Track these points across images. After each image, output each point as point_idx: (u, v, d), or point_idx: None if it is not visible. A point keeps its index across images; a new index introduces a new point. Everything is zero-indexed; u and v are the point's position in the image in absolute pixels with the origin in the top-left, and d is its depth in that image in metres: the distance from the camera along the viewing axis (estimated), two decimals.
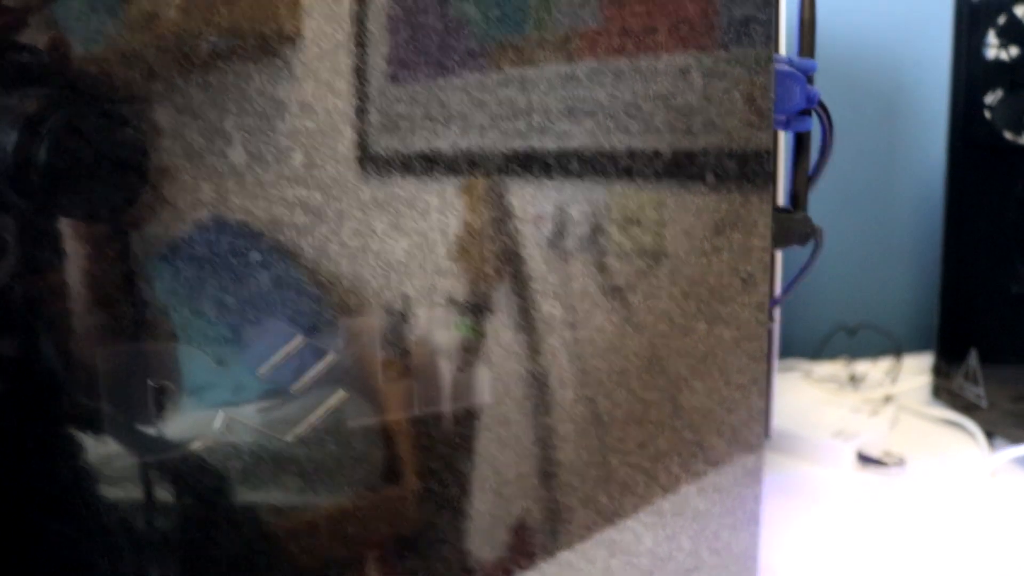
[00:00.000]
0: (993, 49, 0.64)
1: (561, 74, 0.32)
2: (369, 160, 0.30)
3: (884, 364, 0.79)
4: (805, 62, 0.40)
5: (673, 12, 0.34)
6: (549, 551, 0.35)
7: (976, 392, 0.67)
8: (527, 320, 0.33)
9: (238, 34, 0.27)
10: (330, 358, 0.30)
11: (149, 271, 0.27)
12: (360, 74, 0.30)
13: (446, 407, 0.32)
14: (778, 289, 0.50)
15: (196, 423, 0.29)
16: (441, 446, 0.32)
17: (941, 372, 0.72)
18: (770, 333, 0.48)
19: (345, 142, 0.29)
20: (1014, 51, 0.62)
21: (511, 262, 0.33)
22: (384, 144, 0.30)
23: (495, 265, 0.32)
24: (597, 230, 0.34)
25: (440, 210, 0.31)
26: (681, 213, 0.36)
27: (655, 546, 0.37)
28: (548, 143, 0.32)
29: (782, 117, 0.40)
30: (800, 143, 0.42)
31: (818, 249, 0.43)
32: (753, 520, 0.40)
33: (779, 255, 0.52)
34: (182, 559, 0.29)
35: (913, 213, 0.87)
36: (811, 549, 0.51)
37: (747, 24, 0.36)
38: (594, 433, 0.35)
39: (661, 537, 0.37)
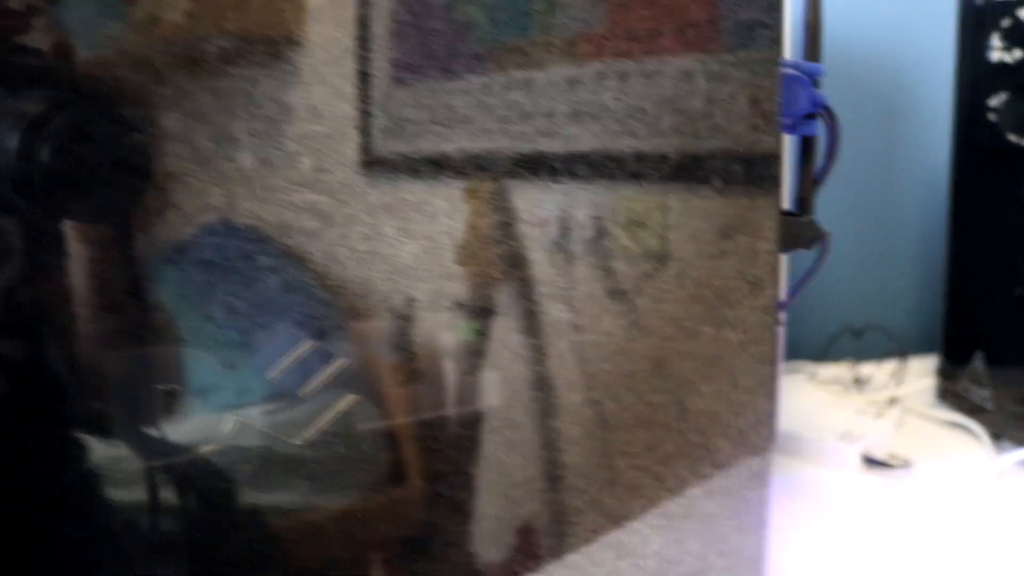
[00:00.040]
0: (997, 52, 0.64)
1: (568, 78, 0.33)
2: (375, 164, 0.30)
3: (889, 366, 0.79)
4: (811, 66, 0.40)
5: (679, 16, 0.34)
6: (556, 553, 0.35)
7: (982, 394, 0.67)
8: (534, 324, 0.33)
9: (244, 38, 0.28)
10: (340, 362, 0.30)
11: (153, 274, 0.27)
12: (366, 78, 0.30)
13: (453, 410, 0.32)
14: (782, 292, 0.50)
15: (202, 426, 0.29)
16: (449, 449, 0.32)
17: (946, 374, 0.72)
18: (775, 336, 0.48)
19: (352, 146, 0.29)
20: (1018, 54, 0.63)
21: (517, 265, 0.33)
22: (390, 148, 0.30)
23: (502, 268, 0.32)
24: (604, 233, 0.34)
25: (447, 214, 0.31)
26: (688, 217, 0.36)
27: (663, 549, 0.37)
28: (555, 146, 0.33)
29: (788, 121, 0.40)
30: (806, 147, 0.42)
31: (825, 253, 0.43)
32: (761, 523, 0.40)
33: (784, 258, 0.52)
34: (189, 561, 0.29)
35: (917, 215, 0.87)
36: (817, 551, 0.51)
37: (753, 28, 0.36)
38: (602, 436, 0.35)
39: (669, 540, 0.37)
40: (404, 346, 0.31)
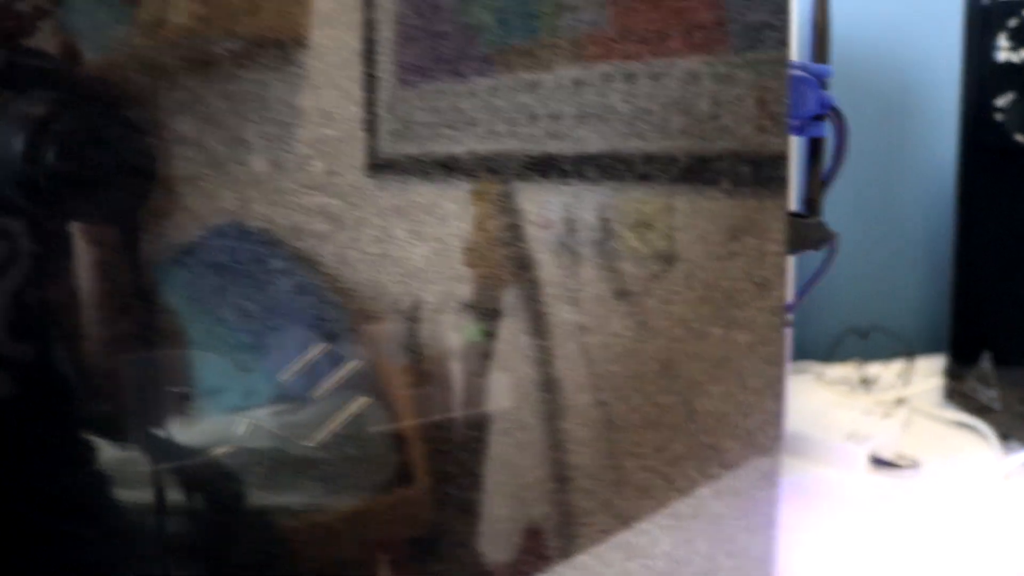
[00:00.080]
0: (1004, 52, 0.64)
1: (577, 80, 0.33)
2: (385, 167, 0.30)
3: (896, 367, 0.79)
4: (819, 67, 0.40)
5: (688, 18, 0.34)
6: (566, 554, 0.35)
7: (989, 395, 0.67)
8: (543, 325, 0.34)
9: (251, 41, 0.28)
10: (350, 364, 0.30)
11: (160, 276, 0.27)
12: (375, 81, 0.30)
13: (463, 412, 0.33)
14: (789, 293, 0.50)
15: (211, 428, 0.29)
16: (458, 450, 0.33)
17: (953, 375, 0.72)
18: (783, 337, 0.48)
19: (361, 149, 0.30)
20: None
21: (526, 267, 0.33)
22: (399, 150, 0.30)
23: (511, 270, 0.33)
24: (613, 235, 0.34)
25: (456, 216, 0.31)
26: (696, 218, 0.36)
27: (672, 549, 0.38)
28: (564, 148, 0.33)
29: (796, 122, 0.40)
30: (814, 148, 0.42)
31: (833, 254, 0.43)
32: (770, 523, 0.40)
33: (790, 259, 0.52)
34: (200, 562, 0.29)
35: (924, 215, 0.87)
36: (825, 551, 0.51)
37: (761, 30, 0.36)
38: (611, 437, 0.36)
39: (678, 540, 0.38)
40: (414, 348, 0.31)
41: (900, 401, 0.72)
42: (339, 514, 0.31)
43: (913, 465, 0.61)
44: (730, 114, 0.36)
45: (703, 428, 0.37)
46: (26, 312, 0.25)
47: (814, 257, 0.44)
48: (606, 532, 0.36)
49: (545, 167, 0.32)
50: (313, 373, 0.30)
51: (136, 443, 0.28)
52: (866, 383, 0.76)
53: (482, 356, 0.33)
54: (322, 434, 0.30)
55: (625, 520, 0.36)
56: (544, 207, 0.33)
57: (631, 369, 0.35)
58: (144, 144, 0.26)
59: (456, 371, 0.32)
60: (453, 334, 0.32)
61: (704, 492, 0.38)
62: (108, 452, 0.27)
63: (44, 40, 0.25)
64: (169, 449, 0.28)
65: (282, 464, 0.30)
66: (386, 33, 0.30)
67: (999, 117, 0.64)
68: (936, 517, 0.55)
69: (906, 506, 0.56)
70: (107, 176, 0.26)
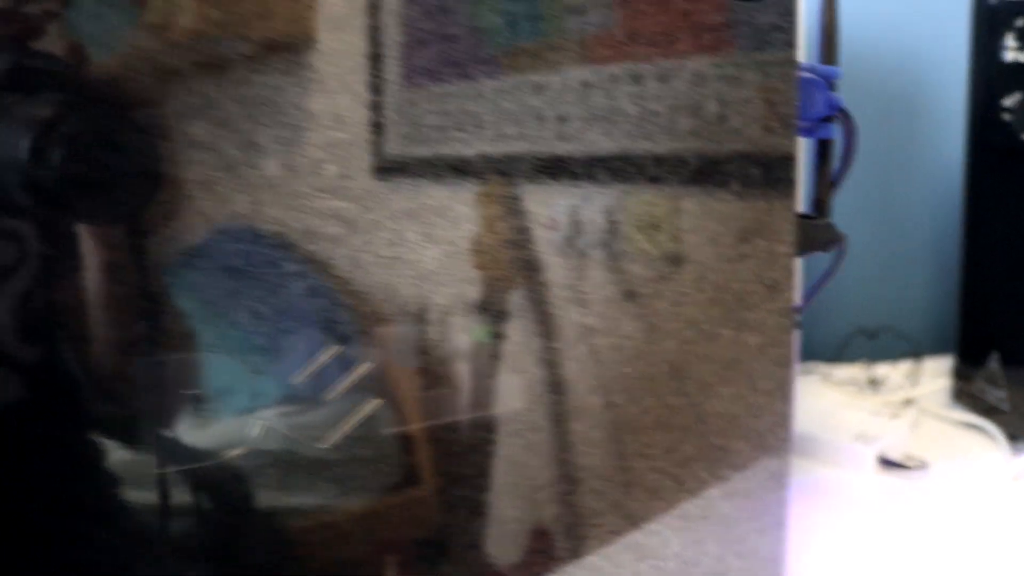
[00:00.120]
0: (1011, 52, 0.64)
1: (587, 82, 0.33)
2: (394, 169, 0.30)
3: (904, 367, 0.78)
4: (827, 69, 0.41)
5: (697, 21, 0.34)
6: (577, 555, 0.35)
7: (998, 395, 0.67)
8: (553, 327, 0.34)
9: (259, 43, 0.28)
10: (362, 366, 0.30)
11: (166, 278, 0.27)
12: (382, 83, 0.30)
13: (473, 413, 0.33)
14: (796, 295, 0.50)
15: (223, 430, 0.29)
16: (469, 452, 0.33)
17: (962, 375, 0.71)
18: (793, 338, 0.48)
19: (370, 151, 0.30)
20: None
21: (536, 269, 0.33)
22: (408, 152, 0.30)
23: (520, 272, 0.33)
24: (622, 237, 0.34)
25: (466, 218, 0.31)
26: (706, 220, 0.36)
27: (682, 551, 0.38)
28: (574, 150, 0.33)
29: (805, 124, 0.40)
30: (823, 150, 0.42)
31: (842, 256, 0.43)
32: (779, 524, 0.40)
33: (798, 260, 0.52)
34: (208, 564, 0.29)
35: (932, 216, 0.87)
36: (834, 552, 0.51)
37: (770, 32, 0.36)
38: (622, 438, 0.36)
39: (688, 541, 0.38)
40: (424, 350, 0.31)
41: (908, 402, 0.72)
42: (349, 516, 0.31)
43: (921, 466, 0.61)
44: (739, 116, 0.36)
45: (713, 429, 0.38)
46: (35, 314, 0.26)
47: (821, 258, 0.44)
48: (616, 533, 0.36)
49: (555, 169, 0.33)
50: (320, 375, 0.30)
51: (147, 445, 0.28)
52: (874, 384, 0.76)
53: (493, 358, 0.33)
54: (334, 436, 0.30)
55: (636, 521, 0.36)
56: (554, 209, 0.33)
57: (641, 371, 0.36)
58: (151, 146, 0.26)
59: (467, 373, 0.33)
60: (463, 336, 0.32)
61: (714, 493, 0.38)
62: (118, 454, 0.27)
63: (51, 42, 0.25)
64: (179, 451, 0.28)
65: (292, 465, 0.30)
66: (396, 36, 0.30)
67: (1007, 117, 0.64)
68: (944, 518, 0.55)
69: (914, 507, 0.56)
70: (114, 178, 0.26)
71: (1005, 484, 0.59)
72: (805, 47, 0.51)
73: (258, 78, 0.28)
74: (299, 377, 0.29)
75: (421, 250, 0.31)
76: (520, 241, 0.32)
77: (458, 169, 0.31)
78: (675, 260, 0.36)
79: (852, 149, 0.43)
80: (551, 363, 0.34)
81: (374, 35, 0.29)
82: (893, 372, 0.78)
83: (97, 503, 0.27)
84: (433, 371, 0.32)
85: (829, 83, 0.40)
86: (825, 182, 0.42)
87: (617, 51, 0.33)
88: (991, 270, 0.68)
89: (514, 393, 0.33)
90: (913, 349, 0.78)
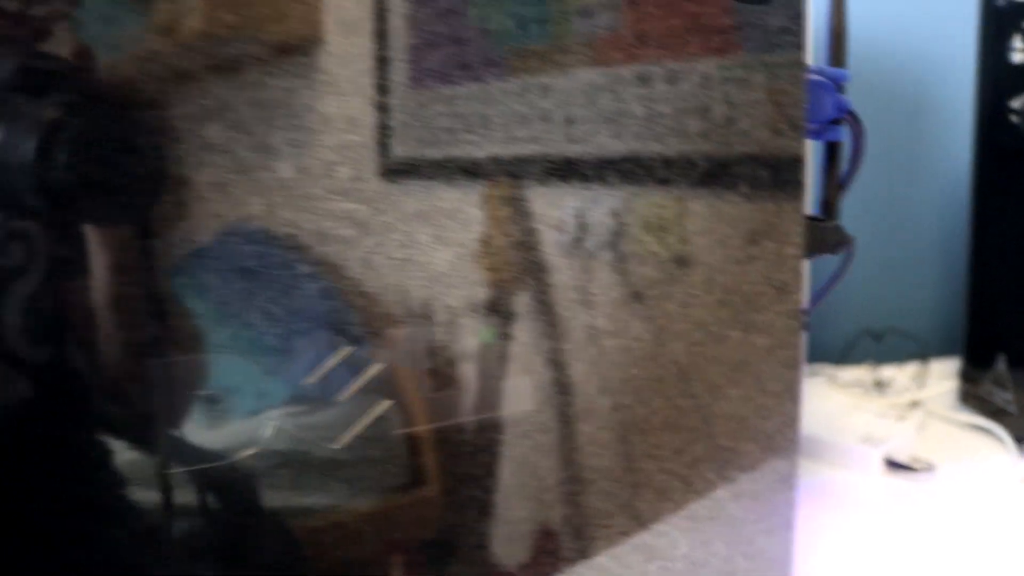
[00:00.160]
0: (1019, 53, 0.64)
1: (597, 84, 0.33)
2: (399, 171, 0.30)
3: (910, 369, 0.78)
4: (836, 72, 0.41)
5: (705, 23, 0.35)
6: (586, 556, 0.36)
7: (1005, 397, 0.67)
8: (563, 329, 0.34)
9: (266, 44, 0.28)
10: (370, 368, 0.30)
11: (176, 277, 0.27)
12: (394, 85, 0.30)
13: (483, 415, 0.33)
14: (804, 296, 0.50)
15: (233, 430, 0.29)
16: (477, 453, 0.33)
17: (969, 377, 0.71)
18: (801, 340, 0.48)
19: (376, 153, 0.30)
20: None
21: (544, 270, 0.33)
22: (415, 154, 0.31)
23: (531, 274, 0.33)
24: (631, 239, 0.35)
25: (474, 220, 0.31)
26: (716, 222, 0.36)
27: (691, 552, 0.38)
28: (584, 152, 0.33)
29: (814, 126, 0.40)
30: (831, 152, 0.42)
31: (850, 258, 0.43)
32: (787, 525, 0.40)
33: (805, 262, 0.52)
34: (216, 564, 0.29)
35: (939, 217, 0.87)
36: (841, 554, 0.51)
37: (779, 34, 0.36)
38: (631, 440, 0.36)
39: (696, 543, 0.38)
40: (433, 351, 0.32)
41: (914, 404, 0.72)
42: (357, 515, 0.31)
43: (928, 468, 0.61)
44: (748, 118, 0.36)
45: (721, 431, 0.38)
46: (44, 314, 0.26)
47: (828, 260, 0.44)
48: (625, 534, 0.36)
49: (565, 171, 0.33)
50: (330, 376, 0.30)
51: (156, 445, 0.28)
52: (880, 386, 0.76)
53: (502, 359, 0.33)
54: (344, 436, 0.30)
55: (644, 522, 0.37)
56: (565, 211, 0.33)
57: (650, 372, 0.36)
58: (158, 148, 0.27)
59: (476, 374, 0.33)
60: (471, 338, 0.32)
61: (722, 494, 0.38)
62: (127, 454, 0.27)
63: (58, 44, 0.25)
64: (188, 451, 0.28)
65: (301, 466, 0.30)
66: (407, 39, 0.30)
67: (1014, 119, 0.64)
68: (951, 520, 0.55)
69: (921, 509, 0.56)
70: (120, 179, 0.26)
71: (1012, 486, 0.59)
72: (813, 49, 0.51)
73: (271, 81, 0.28)
74: (310, 378, 0.30)
75: (432, 252, 0.31)
76: (530, 243, 0.33)
77: (469, 171, 0.31)
78: (684, 262, 0.36)
79: (860, 151, 0.43)
80: (562, 365, 0.34)
81: (385, 38, 0.30)
82: (900, 374, 0.78)
83: (106, 504, 0.27)
84: (443, 372, 0.32)
85: (838, 86, 0.40)
86: (833, 184, 0.42)
87: (626, 53, 0.33)
88: (998, 272, 0.68)
89: (524, 394, 0.33)
90: (920, 351, 0.78)
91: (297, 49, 0.28)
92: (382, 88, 0.30)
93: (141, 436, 0.28)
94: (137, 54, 0.26)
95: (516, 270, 0.32)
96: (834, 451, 0.63)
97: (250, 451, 0.29)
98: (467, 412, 0.32)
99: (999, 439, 0.66)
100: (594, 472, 0.35)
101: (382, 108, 0.30)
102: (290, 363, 0.29)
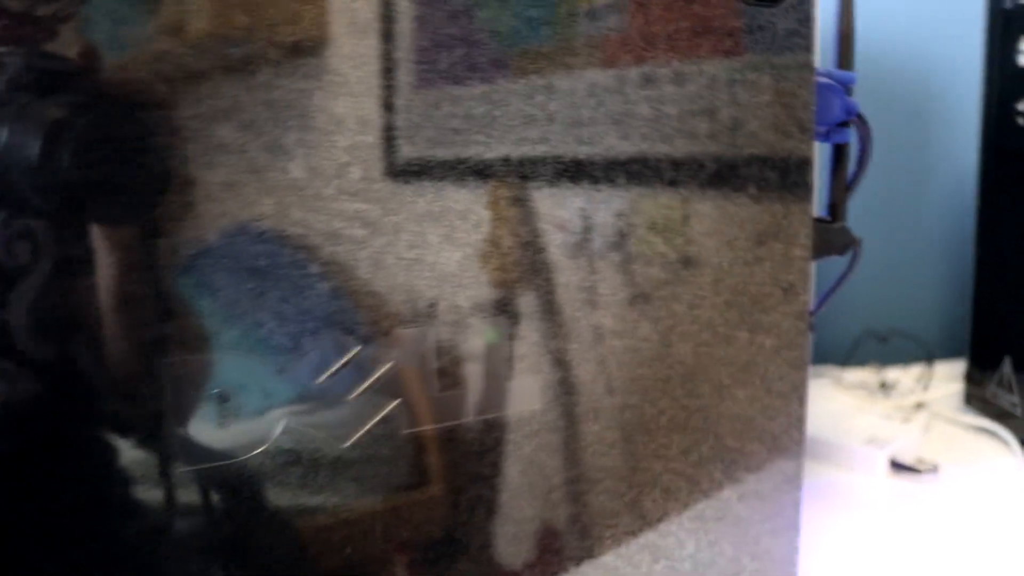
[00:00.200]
0: None
1: (606, 86, 0.33)
2: (404, 172, 0.31)
3: (915, 371, 0.78)
4: (844, 74, 0.41)
5: (715, 26, 0.35)
6: (592, 555, 0.36)
7: (1010, 400, 0.67)
8: (571, 329, 0.34)
9: (273, 44, 0.28)
10: (377, 367, 0.31)
11: (185, 277, 0.28)
12: (404, 86, 0.30)
13: (490, 414, 0.33)
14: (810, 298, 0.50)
15: (242, 429, 0.29)
16: (484, 452, 0.33)
17: (974, 379, 0.71)
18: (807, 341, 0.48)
19: (382, 153, 0.30)
20: None
21: (554, 271, 0.33)
22: (419, 154, 0.31)
23: (538, 274, 0.33)
24: (639, 239, 0.35)
25: (485, 220, 0.32)
26: (723, 223, 0.36)
27: (697, 552, 0.38)
28: (593, 153, 0.33)
29: (821, 129, 0.40)
30: (838, 154, 0.42)
31: (856, 259, 0.43)
32: (793, 526, 0.40)
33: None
34: (221, 563, 0.29)
35: (945, 219, 0.87)
36: (846, 555, 0.51)
37: (788, 37, 0.36)
38: (639, 440, 0.36)
39: (703, 543, 0.38)
40: (441, 351, 0.32)
41: (919, 406, 0.72)
42: (363, 514, 0.31)
43: (933, 470, 0.61)
44: (756, 120, 0.36)
45: (728, 431, 0.38)
46: (49, 313, 0.26)
47: (833, 262, 0.44)
48: (632, 534, 0.36)
49: (574, 172, 0.33)
50: (339, 375, 0.30)
51: (162, 444, 0.28)
52: (885, 387, 0.76)
53: (509, 359, 0.33)
54: (352, 435, 0.31)
55: (651, 522, 0.37)
56: (572, 212, 0.33)
57: (657, 372, 0.36)
58: (163, 147, 0.27)
59: (483, 374, 0.33)
60: (479, 337, 0.32)
61: (729, 494, 0.38)
62: (133, 453, 0.28)
63: (64, 44, 0.25)
64: (195, 450, 0.29)
65: (309, 465, 0.30)
66: (417, 40, 0.30)
67: (1021, 121, 0.64)
68: (956, 522, 0.55)
69: (926, 511, 0.56)
70: (125, 179, 0.26)
71: (1017, 488, 0.59)
72: (820, 52, 0.51)
73: (282, 82, 0.28)
74: (319, 378, 0.30)
75: (441, 252, 0.31)
76: (538, 243, 0.33)
77: (478, 171, 0.31)
78: (691, 263, 0.36)
79: (867, 154, 0.43)
80: (567, 364, 0.34)
81: (395, 39, 0.30)
82: (904, 376, 0.78)
83: (112, 502, 0.28)
84: (450, 372, 0.32)
85: (846, 88, 0.41)
86: (841, 186, 0.42)
87: (634, 55, 0.33)
88: (1004, 274, 0.68)
89: (531, 394, 0.34)
90: (925, 353, 0.78)
91: (308, 50, 0.28)
92: (392, 89, 0.30)
93: (147, 434, 0.28)
94: (144, 54, 0.26)
95: (524, 270, 0.33)
96: (839, 452, 0.63)
97: (259, 450, 0.29)
98: (476, 412, 0.33)
99: (1004, 441, 0.66)
100: (600, 472, 0.35)
101: (392, 109, 0.30)
102: (299, 362, 0.29)
